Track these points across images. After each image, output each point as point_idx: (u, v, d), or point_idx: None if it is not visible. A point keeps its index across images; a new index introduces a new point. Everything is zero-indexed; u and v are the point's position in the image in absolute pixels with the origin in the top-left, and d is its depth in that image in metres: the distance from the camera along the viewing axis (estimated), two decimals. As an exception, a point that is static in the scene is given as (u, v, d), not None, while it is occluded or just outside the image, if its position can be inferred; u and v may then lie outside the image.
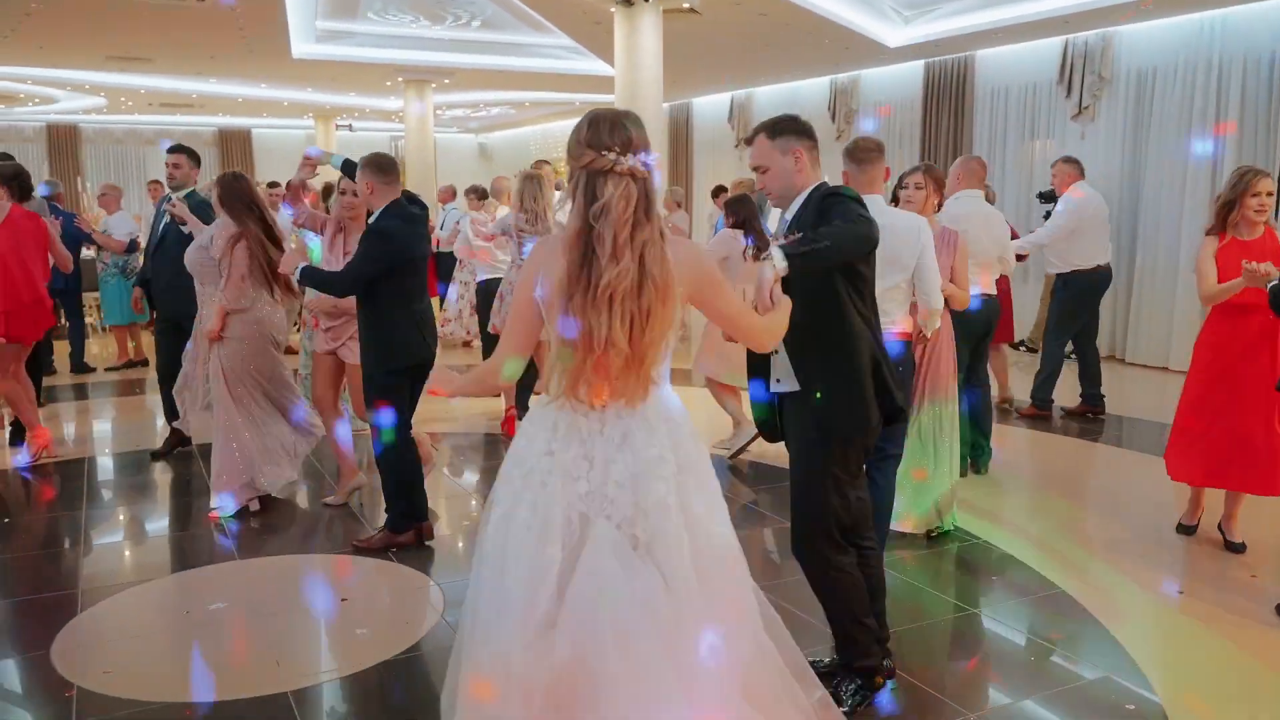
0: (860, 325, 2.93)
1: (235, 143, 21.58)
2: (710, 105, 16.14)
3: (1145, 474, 5.88)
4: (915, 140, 12.32)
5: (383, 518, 4.75)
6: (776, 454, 5.22)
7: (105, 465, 6.14)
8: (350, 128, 21.12)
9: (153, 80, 15.18)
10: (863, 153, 3.71)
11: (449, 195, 11.54)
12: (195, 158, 6.16)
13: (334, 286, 4.48)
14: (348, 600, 4.12)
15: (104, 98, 17.26)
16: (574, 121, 2.33)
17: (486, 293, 7.36)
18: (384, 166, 4.38)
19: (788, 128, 3.00)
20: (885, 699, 3.18)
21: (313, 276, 4.39)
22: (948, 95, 11.79)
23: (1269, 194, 4.37)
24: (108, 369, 9.50)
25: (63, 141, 20.02)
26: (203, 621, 3.90)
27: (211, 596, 4.12)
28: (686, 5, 9.42)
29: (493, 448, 6.63)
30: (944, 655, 3.68)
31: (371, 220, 4.41)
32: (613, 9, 9.31)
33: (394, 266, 4.32)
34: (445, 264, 10.22)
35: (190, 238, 5.52)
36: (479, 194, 9.60)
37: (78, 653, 3.59)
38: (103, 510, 5.33)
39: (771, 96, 14.80)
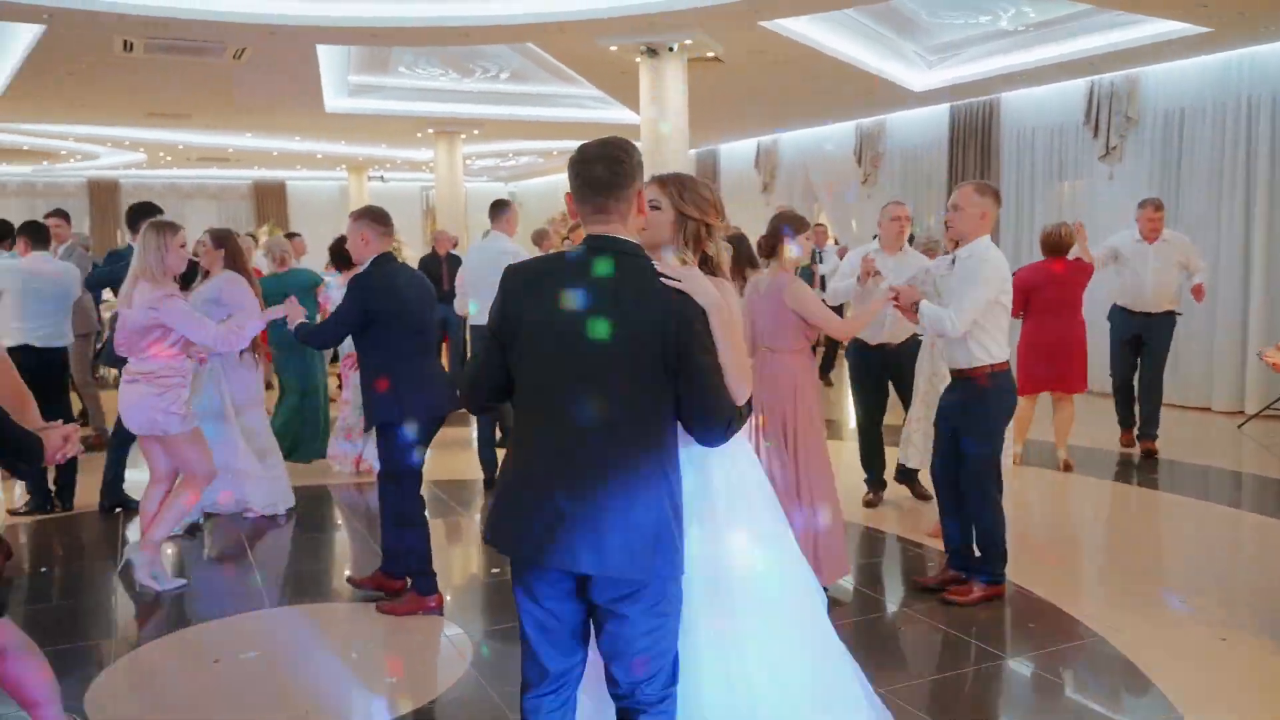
0: (522, 427, 2.41)
1: (270, 195, 21.97)
2: (737, 151, 16.26)
3: (1184, 516, 5.76)
4: (942, 184, 12.30)
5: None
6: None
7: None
8: (382, 179, 21.41)
9: (191, 135, 15.59)
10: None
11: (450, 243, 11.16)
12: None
13: (315, 338, 4.54)
14: (375, 649, 4.11)
15: (143, 153, 17.72)
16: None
17: None
18: (379, 217, 4.34)
19: None
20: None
21: (300, 330, 4.49)
22: (974, 138, 11.79)
23: None
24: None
25: (104, 196, 20.49)
26: (232, 671, 3.91)
27: (241, 646, 4.13)
28: (710, 54, 9.53)
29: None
30: (974, 704, 3.61)
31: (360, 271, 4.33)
32: (638, 59, 9.42)
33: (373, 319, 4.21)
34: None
35: None
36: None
37: (112, 705, 3.61)
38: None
39: (798, 141, 14.90)
